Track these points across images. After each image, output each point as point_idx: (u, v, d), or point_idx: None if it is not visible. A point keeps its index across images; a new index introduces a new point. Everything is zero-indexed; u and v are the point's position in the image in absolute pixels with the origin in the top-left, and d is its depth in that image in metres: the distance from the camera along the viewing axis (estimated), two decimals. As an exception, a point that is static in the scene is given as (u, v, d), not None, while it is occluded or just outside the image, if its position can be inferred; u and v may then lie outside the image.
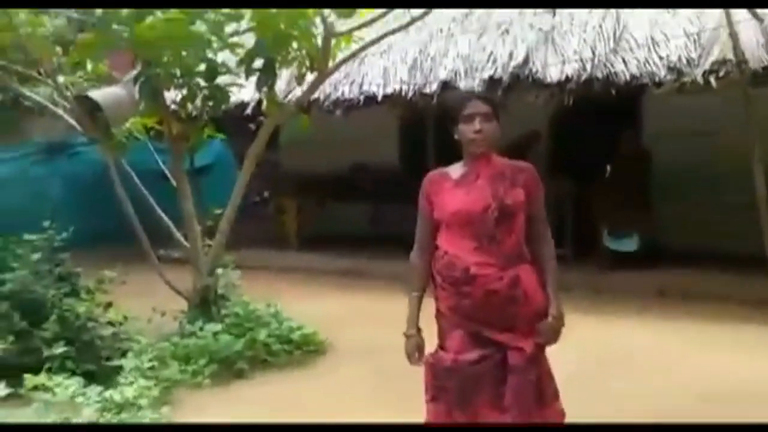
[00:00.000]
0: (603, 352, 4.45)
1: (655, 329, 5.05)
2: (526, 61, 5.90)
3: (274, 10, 4.17)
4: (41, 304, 4.26)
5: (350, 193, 8.13)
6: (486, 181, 2.42)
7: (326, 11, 4.30)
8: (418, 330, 2.53)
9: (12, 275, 4.15)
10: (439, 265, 2.47)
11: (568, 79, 5.64)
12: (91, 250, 6.49)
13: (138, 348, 3.98)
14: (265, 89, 4.73)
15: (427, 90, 6.28)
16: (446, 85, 6.17)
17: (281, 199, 8.41)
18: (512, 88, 5.91)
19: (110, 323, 4.41)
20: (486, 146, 2.41)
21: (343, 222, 8.21)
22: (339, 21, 4.54)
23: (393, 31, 4.96)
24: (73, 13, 4.55)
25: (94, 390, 3.34)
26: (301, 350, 4.56)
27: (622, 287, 6.12)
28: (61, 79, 5.22)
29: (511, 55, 6.01)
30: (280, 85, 5.72)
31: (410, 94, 6.34)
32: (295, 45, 4.41)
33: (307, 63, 4.58)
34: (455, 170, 2.51)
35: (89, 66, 5.24)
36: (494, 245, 2.38)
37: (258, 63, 4.63)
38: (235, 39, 4.74)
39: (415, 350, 2.51)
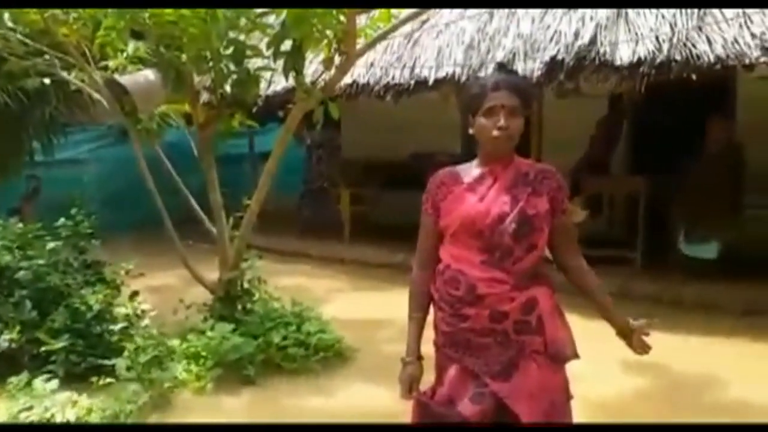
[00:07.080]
0: (679, 376, 3.96)
1: (739, 352, 4.40)
2: (593, 40, 5.20)
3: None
4: (58, 293, 4.19)
5: (409, 182, 7.67)
6: (504, 185, 2.00)
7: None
8: (419, 358, 2.16)
9: (27, 263, 4.07)
10: (439, 282, 2.07)
11: (641, 61, 4.89)
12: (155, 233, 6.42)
13: (141, 345, 3.75)
14: (293, 74, 4.40)
15: (482, 73, 5.73)
16: (502, 68, 5.57)
17: (337, 188, 8.11)
18: (576, 71, 5.24)
19: (127, 316, 4.27)
20: (509, 147, 2.01)
21: (401, 213, 7.78)
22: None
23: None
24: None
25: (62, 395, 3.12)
26: (319, 356, 4.22)
27: (699, 301, 5.34)
28: (111, 63, 5.17)
29: (576, 35, 5.32)
30: (310, 71, 5.37)
31: (464, 77, 5.81)
32: (318, 25, 4.03)
33: (335, 45, 4.20)
34: (468, 171, 2.09)
35: (129, 49, 5.15)
36: (509, 261, 1.96)
37: (287, 46, 4.31)
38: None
39: (408, 380, 2.13)
